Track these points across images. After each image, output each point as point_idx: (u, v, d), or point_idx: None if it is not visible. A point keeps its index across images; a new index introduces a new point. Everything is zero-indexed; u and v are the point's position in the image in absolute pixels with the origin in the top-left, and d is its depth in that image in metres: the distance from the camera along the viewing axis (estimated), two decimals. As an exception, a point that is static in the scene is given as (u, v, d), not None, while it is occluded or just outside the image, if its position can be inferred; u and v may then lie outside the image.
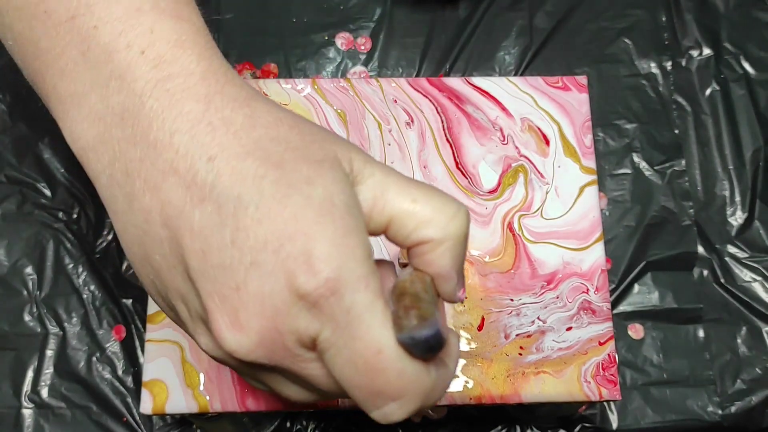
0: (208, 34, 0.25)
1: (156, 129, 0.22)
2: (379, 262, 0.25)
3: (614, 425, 0.44)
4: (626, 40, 0.51)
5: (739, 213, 0.48)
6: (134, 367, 0.45)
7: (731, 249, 0.47)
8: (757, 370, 0.45)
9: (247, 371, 0.24)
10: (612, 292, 0.46)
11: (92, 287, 0.46)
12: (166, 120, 0.22)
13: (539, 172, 0.39)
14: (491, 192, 0.39)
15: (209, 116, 0.22)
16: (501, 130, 0.40)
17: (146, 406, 0.34)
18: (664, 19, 0.52)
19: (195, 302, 0.23)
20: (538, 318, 0.36)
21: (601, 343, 0.36)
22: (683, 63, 0.51)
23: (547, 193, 0.39)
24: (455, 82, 0.41)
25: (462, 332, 0.36)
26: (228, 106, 0.23)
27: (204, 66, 0.23)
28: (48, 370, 0.44)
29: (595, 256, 0.38)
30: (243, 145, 0.22)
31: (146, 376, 0.35)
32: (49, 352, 0.45)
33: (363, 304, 0.21)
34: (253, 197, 0.21)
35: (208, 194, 0.21)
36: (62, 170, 0.48)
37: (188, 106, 0.22)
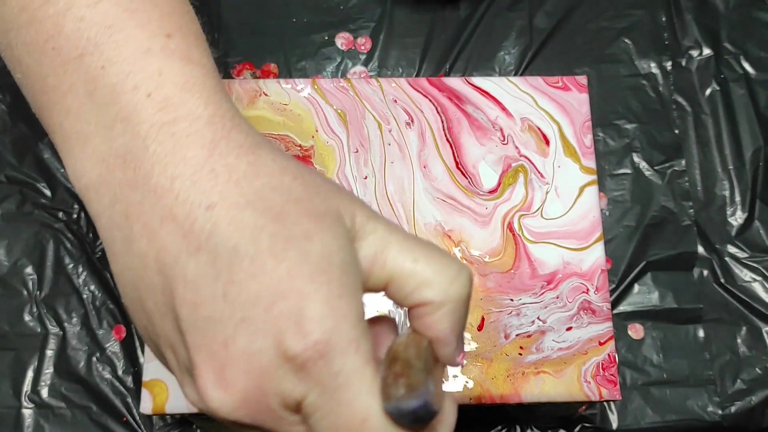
0: (218, 77, 0.25)
1: (157, 173, 0.22)
2: (379, 320, 0.25)
3: (614, 425, 0.44)
4: (626, 40, 0.51)
5: (739, 213, 0.48)
6: (134, 367, 0.45)
7: (731, 249, 0.47)
8: (757, 370, 0.45)
9: (231, 426, 0.23)
10: (612, 292, 0.46)
11: (92, 287, 0.46)
12: (168, 165, 0.22)
13: (539, 172, 0.39)
14: (491, 192, 0.39)
15: (212, 162, 0.22)
16: (501, 130, 0.40)
17: (146, 406, 0.34)
18: (664, 19, 0.52)
19: (183, 353, 0.22)
20: (538, 318, 0.36)
21: (601, 343, 0.36)
22: (683, 63, 0.51)
23: (547, 193, 0.39)
24: (455, 82, 0.41)
25: (462, 332, 0.36)
26: (232, 152, 0.22)
27: (211, 110, 0.23)
28: (48, 370, 0.44)
29: (595, 256, 0.38)
30: (244, 194, 0.21)
31: (146, 376, 0.35)
32: (49, 352, 0.45)
33: (352, 370, 0.20)
34: (249, 250, 0.21)
35: (205, 243, 0.21)
36: (62, 170, 0.48)
37: (192, 152, 0.22)
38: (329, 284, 0.21)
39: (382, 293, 0.24)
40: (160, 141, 0.22)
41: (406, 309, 0.24)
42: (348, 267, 0.21)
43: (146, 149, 0.22)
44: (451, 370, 0.36)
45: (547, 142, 0.40)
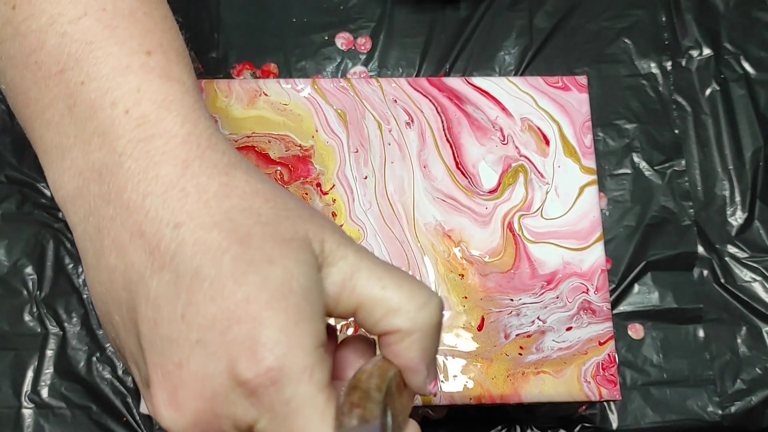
0: (198, 94, 0.25)
1: (130, 189, 0.22)
2: (354, 340, 0.25)
3: (614, 425, 0.44)
4: (626, 40, 0.51)
5: (739, 213, 0.48)
6: (134, 367, 0.45)
7: (731, 249, 0.47)
8: (757, 370, 0.45)
9: None
10: (612, 292, 0.46)
11: (92, 287, 0.46)
12: (141, 181, 0.22)
13: (539, 172, 0.39)
14: (491, 192, 0.39)
15: (184, 182, 0.22)
16: (501, 130, 0.40)
17: (146, 406, 0.34)
18: (664, 19, 0.52)
19: (144, 369, 0.22)
20: (538, 318, 0.36)
21: (601, 343, 0.36)
22: (683, 63, 0.51)
23: (547, 193, 0.39)
24: (455, 82, 0.41)
25: (462, 332, 0.36)
26: (205, 172, 0.22)
27: (188, 128, 0.23)
28: (48, 370, 0.44)
29: (595, 256, 0.38)
30: (212, 214, 0.22)
31: (146, 376, 0.35)
32: (49, 352, 0.45)
33: (303, 397, 0.20)
34: (210, 272, 0.21)
35: (169, 262, 0.21)
36: (62, 170, 0.48)
37: (165, 170, 0.22)
38: (286, 311, 0.20)
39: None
40: (135, 157, 0.22)
41: (376, 337, 0.23)
42: (308, 293, 0.21)
43: (121, 165, 0.22)
44: (451, 370, 0.36)
45: (547, 142, 0.40)
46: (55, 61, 0.24)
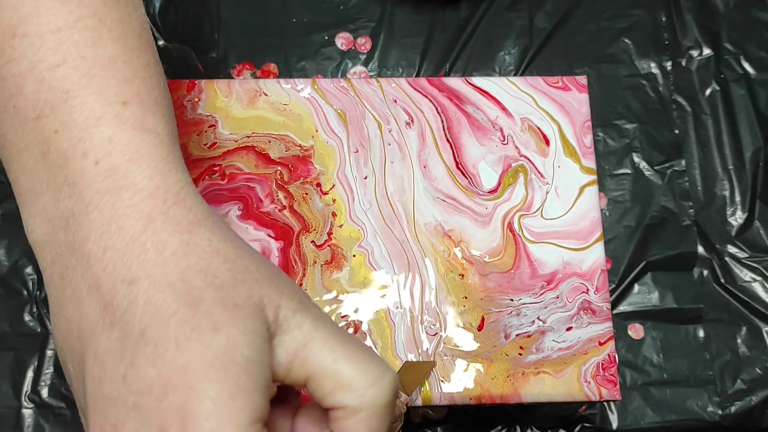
0: (173, 144, 0.25)
1: (92, 241, 0.22)
2: (307, 411, 0.24)
3: (614, 425, 0.44)
4: (626, 40, 0.51)
5: (739, 213, 0.48)
6: (134, 367, 0.45)
7: (731, 249, 0.47)
8: (757, 370, 0.45)
9: None
10: (612, 292, 0.46)
11: (92, 287, 0.46)
12: (104, 233, 0.22)
13: (539, 172, 0.39)
14: (491, 192, 0.39)
15: (145, 238, 0.22)
16: (501, 130, 0.40)
17: (146, 406, 0.34)
18: (664, 19, 0.52)
19: (87, 424, 0.22)
20: (538, 318, 0.36)
21: (601, 343, 0.36)
22: (683, 63, 0.51)
23: (547, 193, 0.39)
24: (455, 82, 0.41)
25: (462, 332, 0.36)
26: (168, 229, 0.22)
27: (156, 182, 0.23)
28: (48, 370, 0.44)
29: (595, 256, 0.38)
30: (168, 273, 0.21)
31: (146, 376, 0.35)
32: (49, 352, 0.45)
33: None
34: (155, 334, 0.20)
35: (119, 320, 0.21)
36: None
37: (128, 223, 0.22)
38: (223, 382, 0.20)
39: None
40: (100, 209, 0.22)
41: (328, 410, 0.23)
42: (251, 365, 0.21)
43: (87, 215, 0.22)
44: (451, 370, 0.36)
45: (547, 142, 0.40)
46: (32, 107, 0.24)
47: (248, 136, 0.39)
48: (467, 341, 0.36)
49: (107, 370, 0.21)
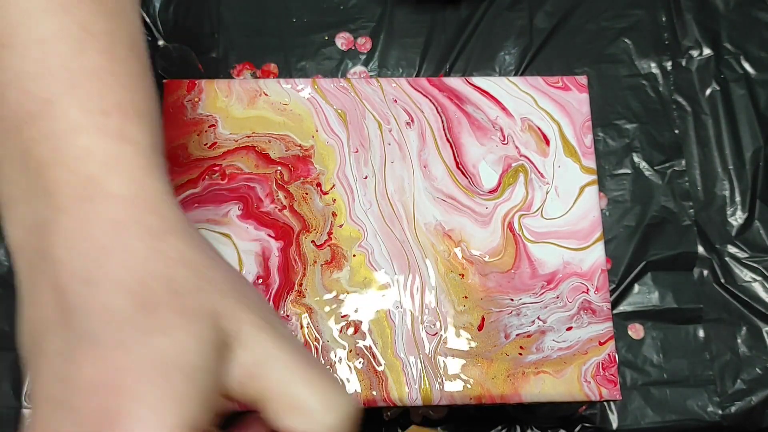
0: (155, 154, 0.25)
1: (60, 245, 0.22)
2: (249, 423, 0.23)
3: (614, 425, 0.44)
4: (626, 40, 0.51)
5: (739, 213, 0.48)
6: (134, 367, 0.45)
7: (731, 249, 0.47)
8: (757, 370, 0.45)
9: None
10: (612, 292, 0.46)
11: (92, 287, 0.46)
12: (74, 240, 0.22)
13: (539, 172, 0.39)
14: (491, 192, 0.39)
15: (112, 243, 0.22)
16: (501, 129, 0.40)
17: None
18: (664, 19, 0.52)
19: None
20: (538, 318, 0.36)
21: (601, 343, 0.36)
22: (683, 63, 0.51)
23: (547, 193, 0.39)
24: (455, 82, 0.41)
25: (462, 332, 0.36)
26: (137, 236, 0.22)
27: (132, 191, 0.23)
28: (48, 370, 0.44)
29: (595, 256, 0.38)
30: (127, 278, 0.21)
31: (146, 376, 0.35)
32: (49, 352, 0.45)
33: None
34: (103, 336, 0.20)
35: (71, 321, 0.21)
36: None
37: (98, 229, 0.22)
38: (161, 388, 0.20)
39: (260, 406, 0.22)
40: (72, 216, 0.22)
41: None
42: (196, 373, 0.20)
43: (59, 222, 0.22)
44: (451, 370, 0.36)
45: (547, 142, 0.40)
46: (15, 116, 0.24)
47: (248, 136, 0.39)
48: (467, 341, 0.36)
49: (53, 370, 0.20)
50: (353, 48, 0.51)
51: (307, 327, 0.36)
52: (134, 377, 0.20)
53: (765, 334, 0.46)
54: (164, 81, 0.40)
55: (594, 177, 0.39)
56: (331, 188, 0.38)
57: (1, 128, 0.24)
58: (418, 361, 0.35)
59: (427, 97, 0.40)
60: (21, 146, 0.24)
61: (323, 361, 0.35)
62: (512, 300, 0.37)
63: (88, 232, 0.22)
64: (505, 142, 0.40)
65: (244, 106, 0.40)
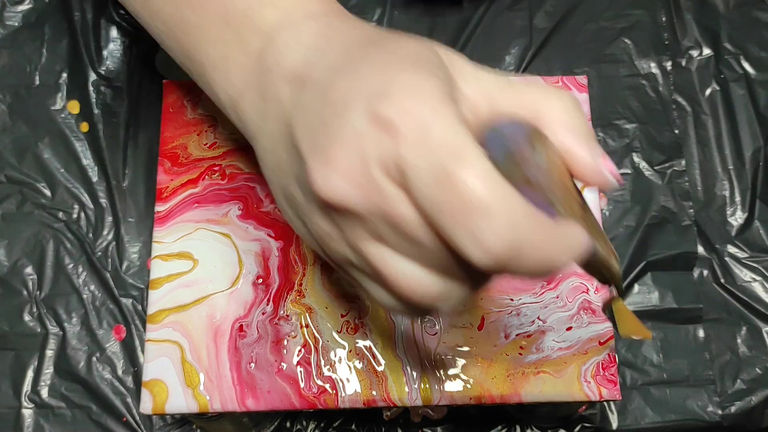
0: None
1: (276, 50, 0.26)
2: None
3: (614, 425, 0.44)
4: (626, 40, 0.51)
5: (739, 213, 0.48)
6: (134, 367, 0.45)
7: (731, 249, 0.47)
8: (757, 370, 0.45)
9: (339, 251, 0.24)
10: (612, 292, 0.46)
11: (92, 287, 0.46)
12: (287, 45, 0.26)
13: (539, 172, 0.39)
14: (491, 192, 0.39)
15: (322, 28, 0.26)
16: (501, 130, 0.40)
17: (146, 406, 0.34)
18: (664, 19, 0.52)
19: (304, 188, 0.24)
20: (538, 318, 0.36)
21: (601, 343, 0.36)
22: (683, 63, 0.51)
23: (547, 193, 0.39)
24: (455, 82, 0.41)
25: (462, 332, 0.36)
26: (339, 18, 0.27)
27: (324, 6, 0.27)
28: (48, 370, 0.44)
29: (595, 256, 0.38)
30: (346, 39, 0.25)
31: (146, 376, 0.35)
32: (49, 352, 0.45)
33: (439, 123, 0.21)
34: (348, 66, 0.23)
35: (308, 79, 0.24)
36: (62, 170, 0.48)
37: (305, 29, 0.26)
38: (419, 71, 0.22)
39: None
40: (280, 31, 0.26)
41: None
42: (438, 69, 0.23)
43: (272, 41, 0.26)
44: (451, 370, 0.36)
45: (547, 142, 0.40)
46: None
47: (248, 136, 0.39)
48: (467, 341, 0.36)
49: (311, 108, 0.23)
50: (353, 48, 0.51)
51: (307, 327, 0.36)
52: (391, 69, 0.22)
53: (765, 334, 0.46)
54: (164, 81, 0.40)
55: (594, 177, 0.39)
56: (331, 188, 0.38)
57: (195, 2, 0.28)
58: (418, 361, 0.35)
59: (427, 97, 0.40)
60: (221, 8, 0.28)
61: (323, 361, 0.35)
62: (512, 300, 0.37)
63: (297, 38, 0.26)
64: (505, 142, 0.40)
65: (244, 106, 0.40)
